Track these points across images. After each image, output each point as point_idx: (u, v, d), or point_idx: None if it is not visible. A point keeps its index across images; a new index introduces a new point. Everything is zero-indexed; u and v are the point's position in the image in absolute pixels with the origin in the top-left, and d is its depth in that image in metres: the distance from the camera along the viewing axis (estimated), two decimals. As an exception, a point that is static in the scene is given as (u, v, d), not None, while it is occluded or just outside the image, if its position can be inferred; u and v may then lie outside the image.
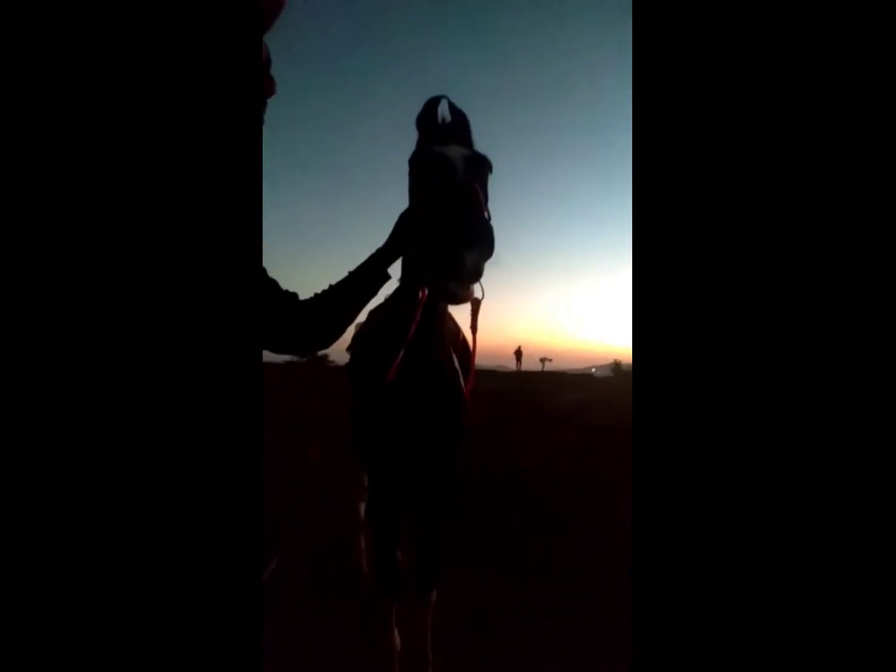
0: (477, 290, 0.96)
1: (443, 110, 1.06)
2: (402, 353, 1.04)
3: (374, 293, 1.00)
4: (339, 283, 0.98)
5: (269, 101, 0.92)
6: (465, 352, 1.32)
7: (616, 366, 18.19)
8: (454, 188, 0.87)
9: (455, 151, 0.95)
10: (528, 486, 3.23)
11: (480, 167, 0.98)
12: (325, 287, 0.99)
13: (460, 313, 1.31)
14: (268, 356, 0.97)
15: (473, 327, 1.11)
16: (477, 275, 0.84)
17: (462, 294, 0.85)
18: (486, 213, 0.88)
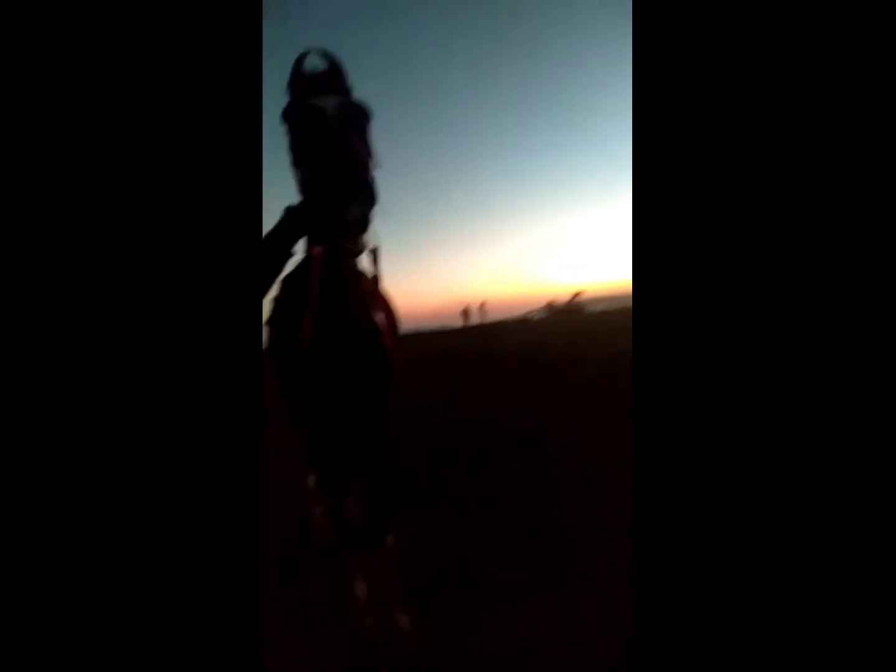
0: (374, 239, 0.98)
1: (314, 62, 1.01)
2: (308, 318, 1.02)
3: (280, 262, 0.98)
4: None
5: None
6: (388, 307, 1.33)
7: (549, 306, 18.98)
8: (327, 140, 0.85)
9: (328, 102, 0.92)
10: (471, 428, 3.39)
11: (357, 116, 0.96)
12: None
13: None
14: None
15: (376, 277, 1.12)
16: (363, 225, 0.85)
17: (352, 246, 0.85)
18: (366, 163, 0.88)
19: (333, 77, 1.00)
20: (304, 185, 0.87)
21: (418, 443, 2.97)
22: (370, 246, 0.99)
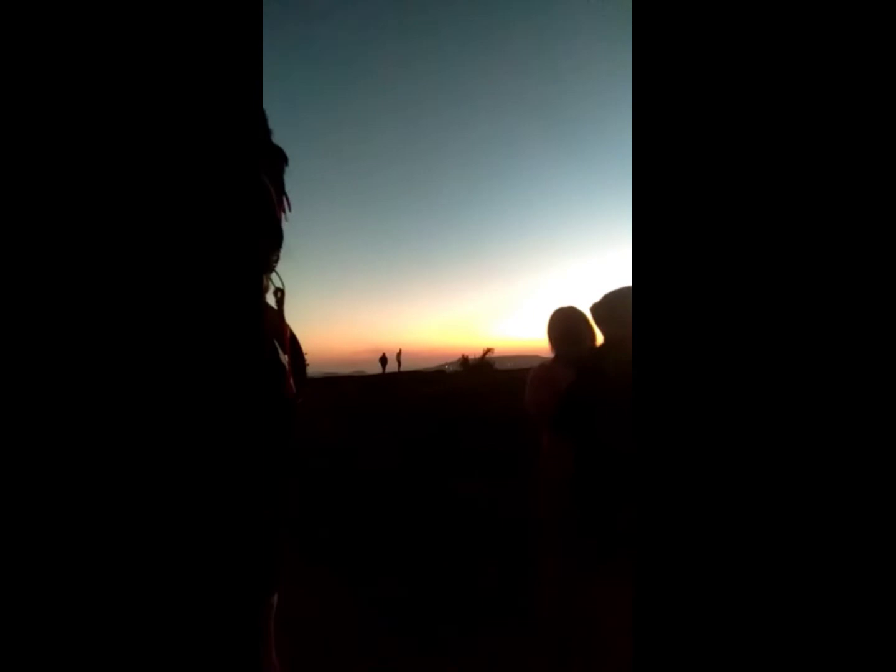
0: (277, 282, 1.01)
1: None
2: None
3: None
4: None
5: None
6: (297, 350, 1.32)
7: (464, 360, 19.62)
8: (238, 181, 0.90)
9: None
10: (372, 480, 3.30)
11: (273, 159, 1.01)
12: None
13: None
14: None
15: (281, 318, 1.13)
16: (266, 265, 0.88)
17: None
18: (277, 207, 0.92)
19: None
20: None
21: (310, 496, 2.81)
22: (274, 287, 1.02)
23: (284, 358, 1.22)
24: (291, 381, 1.22)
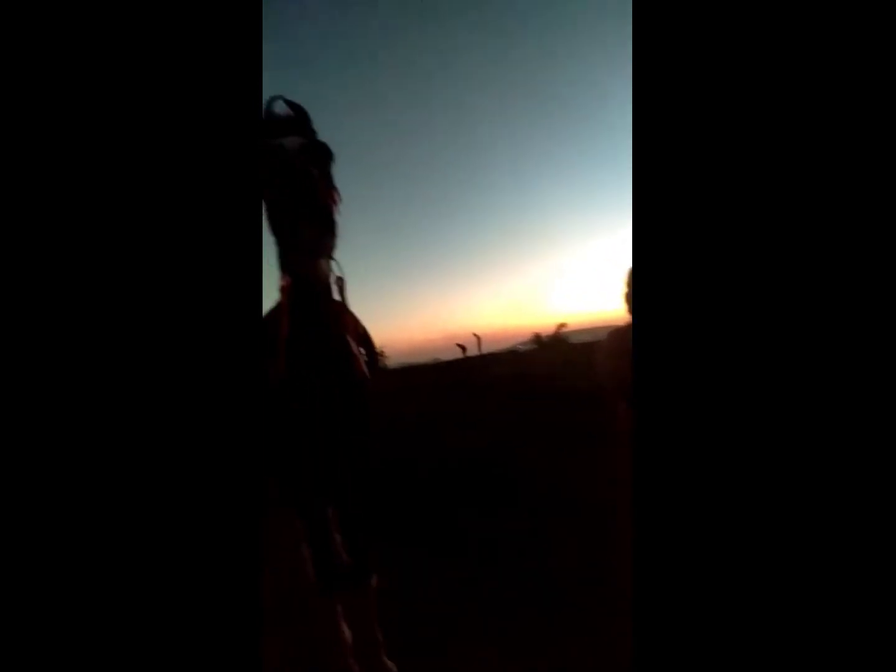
0: (337, 270, 1.08)
1: (280, 107, 1.12)
2: (280, 352, 1.06)
3: None
4: None
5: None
6: (366, 338, 1.39)
7: (536, 338, 19.19)
8: (290, 172, 0.94)
9: (292, 141, 1.01)
10: (454, 466, 3.37)
11: (319, 154, 1.05)
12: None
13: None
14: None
15: (343, 307, 1.18)
16: (321, 249, 0.94)
17: (309, 269, 0.94)
18: (327, 196, 0.97)
19: (297, 121, 1.10)
20: (269, 220, 0.98)
21: (402, 480, 2.95)
22: (334, 276, 1.08)
23: (356, 349, 1.26)
24: (363, 366, 1.28)
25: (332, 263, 1.08)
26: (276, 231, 0.98)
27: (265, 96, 1.07)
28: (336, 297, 1.15)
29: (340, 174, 1.09)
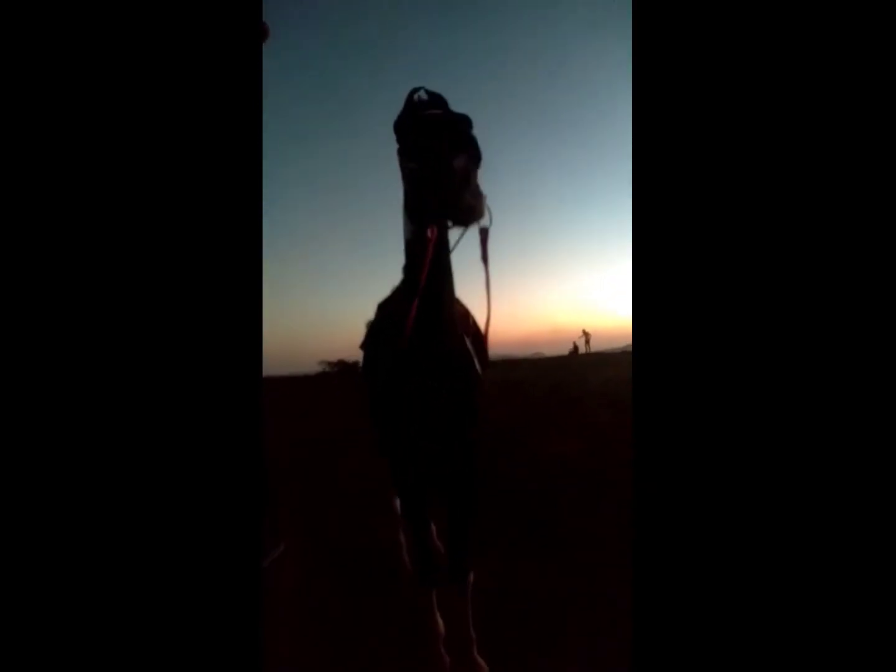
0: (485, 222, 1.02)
1: (420, 94, 1.12)
2: (415, 304, 1.06)
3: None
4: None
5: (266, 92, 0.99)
6: (478, 335, 1.34)
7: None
8: (444, 132, 0.95)
9: (437, 113, 1.03)
10: (555, 470, 3.21)
11: (462, 122, 1.03)
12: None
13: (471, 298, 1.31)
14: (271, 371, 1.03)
15: (484, 258, 1.11)
16: (477, 215, 0.91)
17: (475, 204, 0.92)
18: (472, 162, 0.94)
19: (439, 101, 1.11)
20: (415, 178, 0.98)
21: (497, 479, 2.88)
22: (484, 223, 1.03)
23: (468, 341, 1.23)
24: (477, 366, 1.25)
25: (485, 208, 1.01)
26: (426, 188, 0.96)
27: (265, 96, 1.06)
28: (478, 248, 1.10)
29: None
